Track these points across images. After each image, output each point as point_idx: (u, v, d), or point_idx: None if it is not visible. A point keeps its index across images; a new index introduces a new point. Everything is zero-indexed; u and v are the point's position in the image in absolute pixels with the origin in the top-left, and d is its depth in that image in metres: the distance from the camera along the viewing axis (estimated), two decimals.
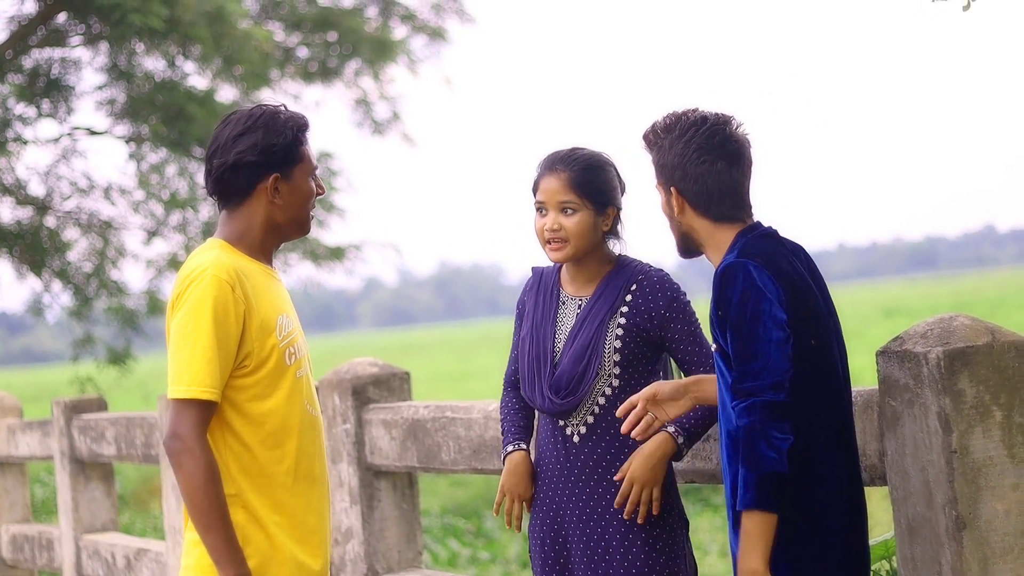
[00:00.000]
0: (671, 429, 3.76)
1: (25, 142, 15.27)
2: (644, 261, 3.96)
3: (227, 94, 15.75)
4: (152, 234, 15.94)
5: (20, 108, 15.06)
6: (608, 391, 3.88)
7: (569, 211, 3.88)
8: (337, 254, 16.68)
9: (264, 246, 3.70)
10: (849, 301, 64.10)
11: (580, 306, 3.95)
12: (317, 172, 3.76)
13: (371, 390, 5.25)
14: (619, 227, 3.98)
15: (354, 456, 5.22)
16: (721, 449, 3.39)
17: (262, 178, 3.64)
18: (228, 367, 3.54)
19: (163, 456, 6.41)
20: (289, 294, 3.82)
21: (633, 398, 3.65)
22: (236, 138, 3.62)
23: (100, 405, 7.54)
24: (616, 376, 3.87)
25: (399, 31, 17.49)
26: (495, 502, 4.05)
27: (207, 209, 15.74)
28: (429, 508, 14.95)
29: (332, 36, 16.78)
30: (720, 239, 3.45)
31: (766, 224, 3.48)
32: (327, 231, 16.90)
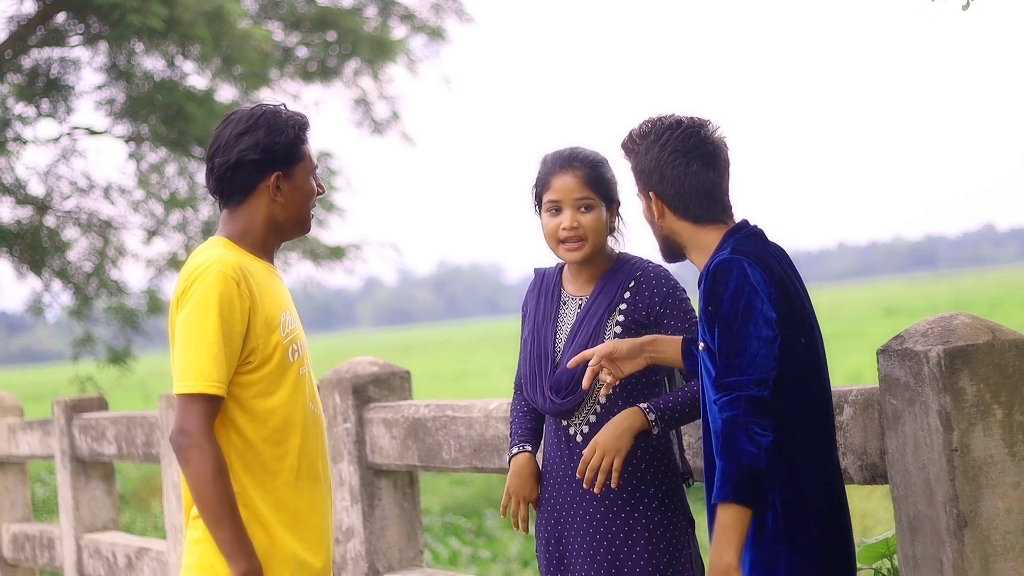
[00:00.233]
0: (643, 405, 3.75)
1: (25, 142, 15.27)
2: (643, 258, 3.96)
3: (226, 94, 15.76)
4: (152, 233, 15.95)
5: (20, 108, 15.06)
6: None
7: (585, 208, 3.88)
8: (337, 253, 16.69)
9: (266, 244, 3.71)
10: (849, 300, 64.14)
11: (581, 305, 3.95)
12: (317, 172, 3.77)
13: (371, 389, 5.25)
14: (620, 224, 3.99)
15: (355, 455, 5.22)
16: (703, 446, 3.40)
17: (264, 176, 3.64)
18: (233, 362, 3.55)
19: (164, 455, 6.41)
20: (289, 293, 3.83)
21: (587, 351, 3.69)
22: (238, 137, 3.63)
23: (100, 404, 7.54)
24: None
25: (398, 31, 17.49)
26: (501, 504, 4.05)
27: (207, 208, 15.75)
28: (430, 507, 14.95)
29: (331, 36, 16.77)
30: (702, 241, 3.47)
31: (753, 223, 3.50)
32: (327, 230, 16.91)
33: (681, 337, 3.72)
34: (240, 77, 15.07)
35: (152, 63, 15.19)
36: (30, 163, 15.74)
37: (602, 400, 3.88)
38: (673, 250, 3.55)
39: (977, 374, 3.23)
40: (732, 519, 3.21)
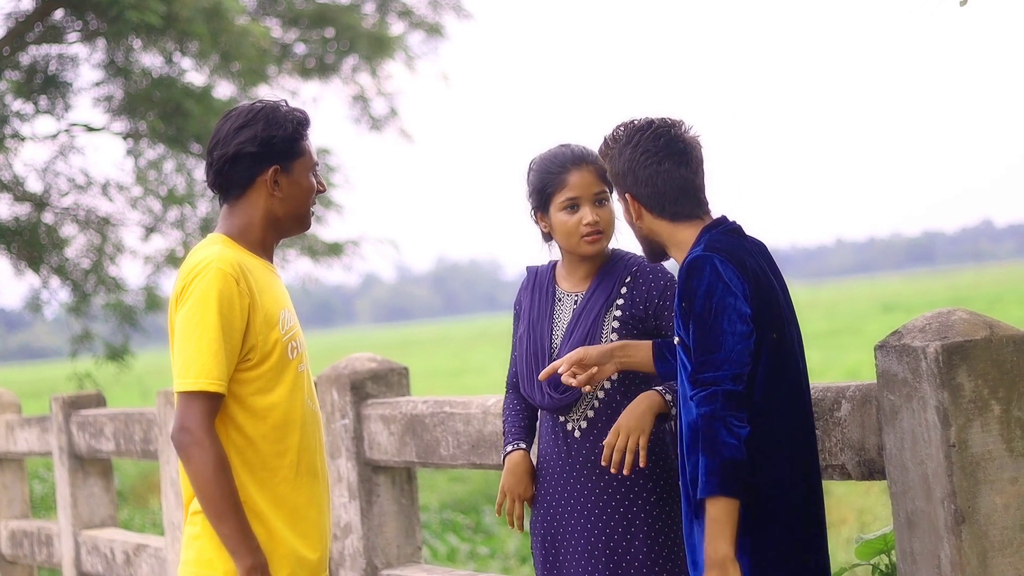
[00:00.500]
0: (659, 387, 3.77)
1: (23, 138, 15.25)
2: (637, 254, 3.97)
3: (224, 90, 15.75)
4: (150, 230, 15.94)
5: (17, 105, 15.05)
6: (607, 385, 3.89)
7: (601, 202, 3.93)
8: (335, 250, 16.68)
9: (264, 241, 3.71)
10: (847, 296, 64.10)
11: (576, 302, 3.97)
12: (317, 169, 3.77)
13: (369, 385, 5.25)
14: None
15: (353, 451, 5.22)
16: (680, 441, 3.43)
17: (262, 170, 3.65)
18: (233, 360, 3.55)
19: (162, 452, 6.41)
20: (287, 290, 3.83)
21: (557, 362, 3.74)
22: (237, 130, 3.64)
23: (99, 401, 7.53)
24: None
25: (396, 27, 17.48)
26: (496, 503, 4.06)
27: (205, 205, 15.74)
28: (428, 503, 14.95)
29: (329, 32, 16.77)
30: (681, 238, 3.51)
31: (731, 219, 3.53)
32: (325, 227, 16.92)
33: (651, 342, 3.75)
34: (238, 74, 15.06)
35: (150, 60, 15.18)
36: (28, 160, 15.72)
37: (600, 395, 3.89)
38: (655, 250, 3.60)
39: (975, 370, 3.23)
40: (721, 511, 3.25)
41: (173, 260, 15.71)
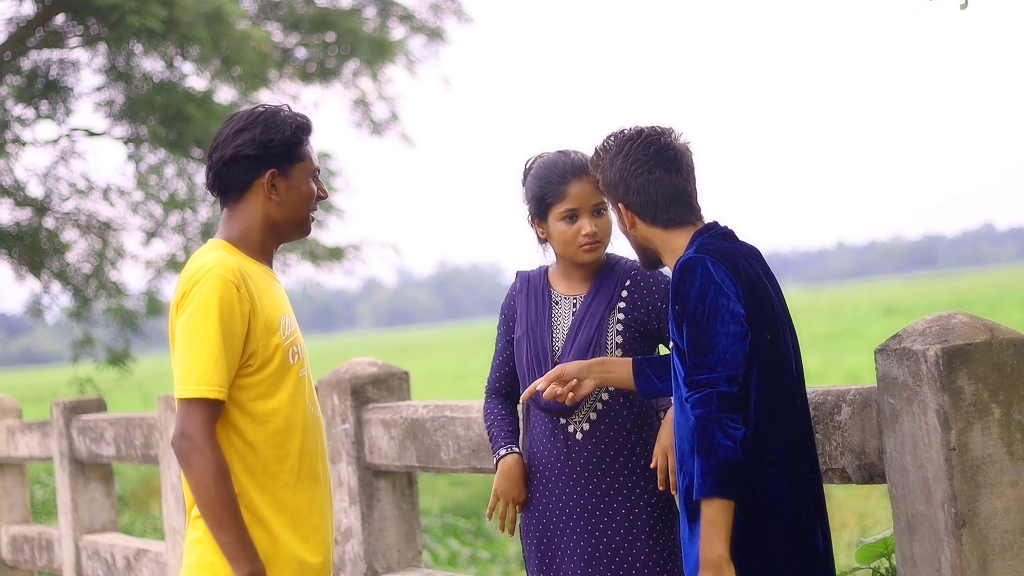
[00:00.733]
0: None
1: (24, 143, 15.27)
2: (629, 258, 4.00)
3: (225, 95, 15.76)
4: (151, 235, 15.95)
5: (19, 109, 15.06)
6: (611, 387, 3.90)
7: (599, 212, 3.96)
8: (336, 254, 16.69)
9: (264, 247, 3.72)
10: (848, 300, 64.12)
11: (575, 305, 3.99)
12: (319, 175, 3.78)
13: (370, 390, 5.25)
14: None
15: (353, 456, 5.22)
16: (677, 444, 3.43)
17: (259, 173, 3.66)
18: (234, 366, 3.55)
19: (162, 456, 6.41)
20: (288, 295, 3.84)
21: (537, 381, 3.76)
22: (236, 133, 3.67)
23: (99, 406, 7.54)
24: None
25: (397, 31, 17.50)
26: (489, 506, 4.07)
27: (206, 210, 15.75)
28: (429, 508, 14.95)
29: (330, 36, 16.78)
30: (675, 244, 3.52)
31: (723, 224, 3.54)
32: (326, 231, 16.91)
33: (631, 359, 3.76)
34: (239, 78, 15.07)
35: (151, 64, 15.20)
36: (29, 165, 15.74)
37: (605, 397, 3.91)
38: (650, 258, 3.62)
39: (975, 373, 3.23)
40: (717, 513, 3.26)
41: (174, 265, 15.72)
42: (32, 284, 15.84)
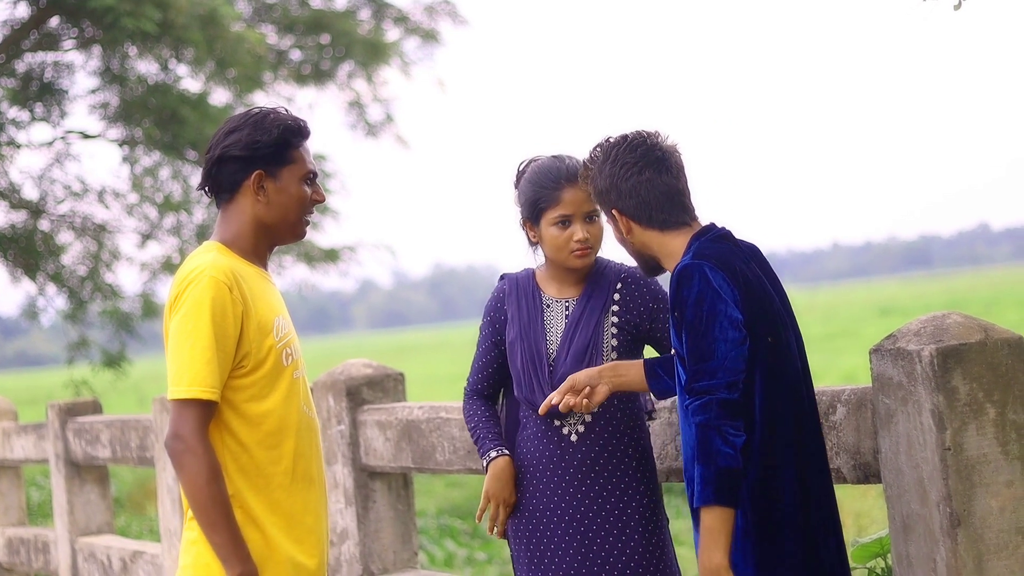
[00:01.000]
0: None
1: (18, 146, 15.27)
2: (617, 261, 4.03)
3: (220, 97, 15.76)
4: (146, 237, 15.95)
5: (13, 112, 15.06)
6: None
7: (591, 219, 3.97)
8: (331, 256, 16.69)
9: (257, 248, 3.72)
10: (844, 300, 64.16)
11: (568, 308, 4.00)
12: (316, 179, 3.77)
13: (365, 391, 5.25)
14: None
15: (349, 457, 5.22)
16: (684, 450, 3.41)
17: (246, 174, 3.67)
18: (227, 367, 3.56)
19: (158, 458, 6.41)
20: (283, 297, 3.84)
21: (552, 394, 3.74)
22: (226, 134, 3.69)
23: (95, 408, 7.54)
24: None
25: (392, 33, 17.50)
26: (479, 508, 4.07)
27: (201, 212, 15.75)
28: (425, 509, 14.94)
29: (325, 39, 16.78)
30: (672, 246, 3.51)
31: (720, 226, 3.53)
32: (321, 233, 16.92)
33: (642, 361, 3.76)
34: (234, 80, 15.07)
35: (146, 67, 15.20)
36: (24, 167, 15.81)
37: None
38: (650, 264, 3.60)
39: (970, 373, 3.24)
40: (716, 520, 3.24)
41: (169, 267, 15.72)
42: (28, 286, 15.85)
